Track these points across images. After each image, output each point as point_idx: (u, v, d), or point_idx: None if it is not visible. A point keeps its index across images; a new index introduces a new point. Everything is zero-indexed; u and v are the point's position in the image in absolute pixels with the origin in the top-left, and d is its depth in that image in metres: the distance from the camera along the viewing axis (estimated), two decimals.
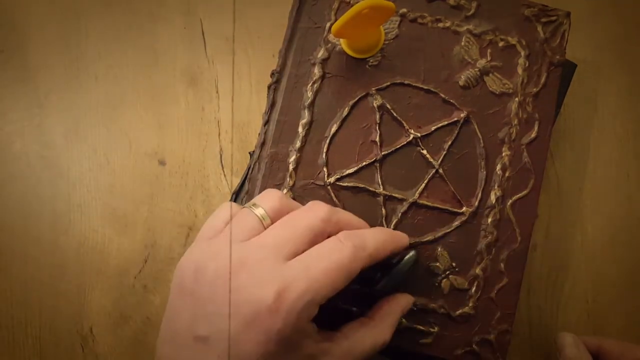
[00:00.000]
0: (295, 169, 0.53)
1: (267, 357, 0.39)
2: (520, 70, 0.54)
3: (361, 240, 0.43)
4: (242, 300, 0.39)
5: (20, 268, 0.60)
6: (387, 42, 0.54)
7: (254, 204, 0.45)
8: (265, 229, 0.43)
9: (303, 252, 0.42)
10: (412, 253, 0.49)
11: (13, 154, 0.62)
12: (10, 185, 0.62)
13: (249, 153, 0.56)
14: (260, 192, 0.52)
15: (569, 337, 0.54)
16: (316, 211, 0.44)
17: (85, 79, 0.63)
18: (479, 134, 0.53)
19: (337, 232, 0.44)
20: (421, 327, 0.51)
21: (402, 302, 0.48)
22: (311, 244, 0.42)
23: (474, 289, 0.52)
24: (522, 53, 0.55)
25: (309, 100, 0.53)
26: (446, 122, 0.53)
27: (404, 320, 0.51)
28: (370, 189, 0.53)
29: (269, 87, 0.55)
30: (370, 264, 0.43)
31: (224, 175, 0.62)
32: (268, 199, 0.45)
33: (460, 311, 0.52)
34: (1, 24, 0.64)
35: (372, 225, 0.49)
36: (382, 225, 0.52)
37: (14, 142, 0.62)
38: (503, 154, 0.53)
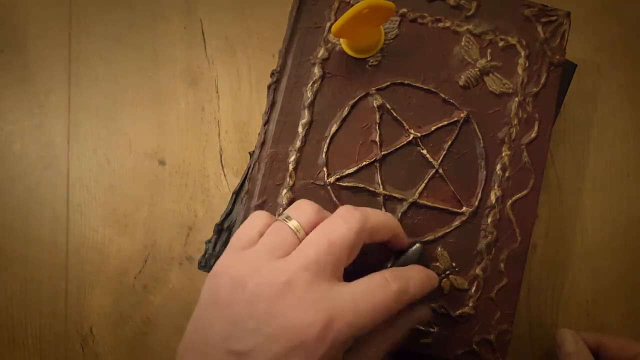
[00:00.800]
0: (295, 169, 0.53)
1: None
2: (520, 70, 0.54)
3: (406, 284, 0.43)
4: (289, 324, 0.39)
5: (20, 268, 0.60)
6: (387, 42, 0.54)
7: (288, 217, 0.44)
8: (300, 241, 0.43)
9: (343, 267, 0.42)
10: (417, 245, 0.49)
11: (13, 154, 0.62)
12: (10, 185, 0.62)
13: (249, 153, 0.56)
14: (260, 192, 0.52)
15: (568, 333, 0.54)
16: (351, 222, 0.43)
17: (85, 79, 0.63)
18: (479, 134, 0.53)
19: (370, 239, 0.44)
20: (421, 327, 0.51)
21: (417, 314, 0.48)
22: (349, 257, 0.43)
23: (474, 289, 0.52)
24: (522, 53, 0.55)
25: (309, 100, 0.53)
26: (446, 122, 0.53)
27: None
28: (370, 189, 0.53)
29: (269, 87, 0.55)
30: (410, 301, 0.44)
31: (224, 175, 0.62)
32: (302, 210, 0.45)
33: (460, 311, 0.51)
34: (1, 24, 0.64)
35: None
36: None
37: (14, 142, 0.62)
38: (503, 154, 0.53)
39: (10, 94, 0.63)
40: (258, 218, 0.45)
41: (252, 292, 0.40)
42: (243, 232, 0.45)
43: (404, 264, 0.48)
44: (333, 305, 0.40)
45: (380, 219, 0.46)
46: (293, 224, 0.44)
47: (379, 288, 0.42)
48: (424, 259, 0.50)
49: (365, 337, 0.44)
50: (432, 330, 0.51)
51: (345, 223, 0.43)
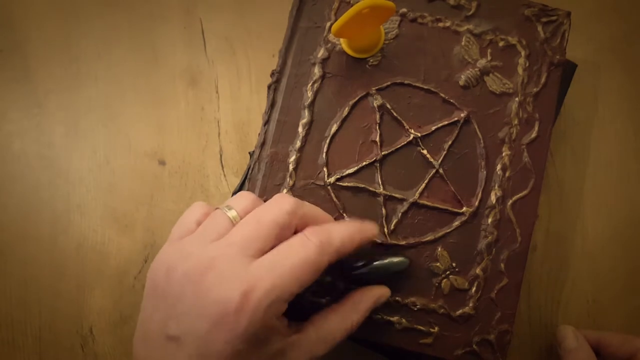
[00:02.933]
0: (295, 169, 0.53)
1: (235, 355, 0.39)
2: (520, 70, 0.54)
3: (327, 235, 0.43)
4: (210, 300, 0.39)
5: (20, 268, 0.60)
6: (387, 42, 0.54)
7: (227, 206, 0.45)
8: None
9: (271, 247, 0.42)
10: (404, 259, 0.50)
11: (13, 154, 0.62)
12: (10, 185, 0.62)
13: (249, 153, 0.56)
14: (260, 192, 0.52)
15: (569, 329, 0.55)
16: (281, 204, 0.44)
17: (85, 79, 0.63)
18: (479, 133, 0.53)
19: (303, 227, 0.44)
20: (421, 327, 0.51)
21: (376, 292, 0.48)
22: (278, 238, 0.43)
23: (474, 289, 0.52)
24: (522, 53, 0.54)
25: (309, 100, 0.53)
26: (446, 122, 0.53)
27: (404, 320, 0.51)
28: (371, 189, 0.52)
29: (269, 87, 0.54)
30: (338, 258, 0.43)
31: (224, 175, 0.62)
32: (240, 200, 0.45)
33: (460, 311, 0.51)
34: (1, 24, 0.64)
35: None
36: (382, 226, 0.52)
37: (13, 142, 0.63)
38: (503, 154, 0.53)
39: (10, 94, 0.63)
40: (196, 208, 0.46)
41: (181, 276, 0.41)
42: (181, 223, 0.45)
43: (376, 270, 0.49)
44: (251, 275, 0.40)
45: (315, 209, 0.46)
46: (231, 212, 0.44)
47: (297, 246, 0.42)
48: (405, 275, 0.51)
49: (316, 319, 0.45)
50: (432, 330, 0.51)
51: (276, 205, 0.44)
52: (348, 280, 0.49)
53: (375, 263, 0.49)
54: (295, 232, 0.44)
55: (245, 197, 0.46)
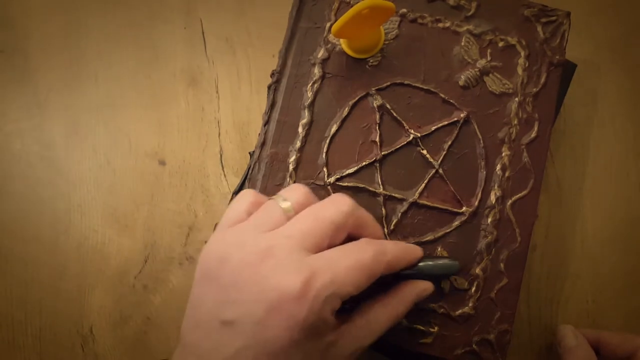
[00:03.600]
0: (295, 169, 0.53)
1: (292, 343, 0.39)
2: (520, 70, 0.54)
3: (382, 247, 0.43)
4: (269, 287, 0.39)
5: (20, 268, 0.61)
6: (387, 42, 0.54)
7: (281, 196, 0.45)
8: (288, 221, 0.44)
9: (326, 245, 0.43)
10: (455, 263, 0.49)
11: (13, 154, 0.62)
12: (10, 185, 0.62)
13: (249, 153, 0.56)
14: (260, 192, 0.52)
15: (568, 328, 0.55)
16: (340, 205, 0.44)
17: (85, 79, 0.64)
18: (478, 134, 0.53)
19: (355, 230, 0.45)
20: (421, 327, 0.51)
21: (421, 285, 0.47)
22: (333, 237, 0.43)
23: (474, 289, 0.52)
24: (522, 53, 0.54)
25: (309, 100, 0.53)
26: (446, 122, 0.53)
27: (404, 320, 0.51)
28: (370, 189, 0.53)
29: (269, 87, 0.54)
30: (387, 273, 0.44)
31: (224, 175, 0.62)
32: (294, 192, 0.45)
33: (460, 311, 0.51)
34: (1, 24, 0.64)
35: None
36: (382, 226, 0.52)
37: (14, 142, 0.63)
38: (503, 154, 0.53)
39: (10, 94, 0.63)
40: (246, 196, 0.46)
41: (236, 262, 0.41)
42: (231, 211, 0.45)
43: (423, 271, 0.48)
44: (311, 266, 0.40)
45: (369, 216, 0.46)
46: (284, 203, 0.44)
47: (355, 251, 0.42)
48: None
49: (363, 308, 0.45)
50: (432, 330, 0.51)
51: (334, 204, 0.44)
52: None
53: (421, 264, 0.48)
54: (348, 237, 0.45)
55: (300, 190, 0.45)
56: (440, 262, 0.49)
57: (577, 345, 0.54)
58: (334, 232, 0.43)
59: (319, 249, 0.42)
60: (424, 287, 0.48)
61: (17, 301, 0.60)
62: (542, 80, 0.54)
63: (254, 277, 0.40)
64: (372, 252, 0.42)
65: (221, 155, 0.62)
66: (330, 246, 0.43)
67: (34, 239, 0.61)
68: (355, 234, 0.45)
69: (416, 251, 0.47)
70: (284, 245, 0.41)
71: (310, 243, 0.42)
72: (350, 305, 0.46)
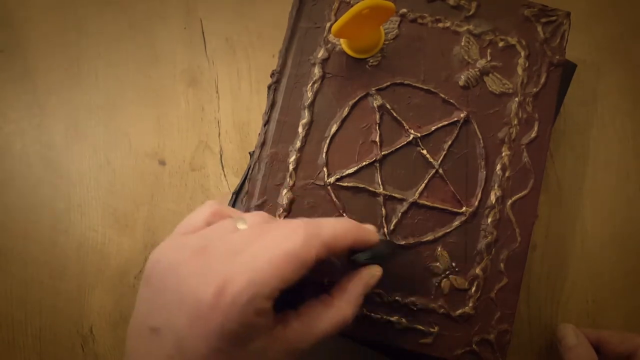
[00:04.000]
0: (295, 169, 0.53)
1: (215, 352, 0.37)
2: (520, 70, 0.54)
3: (315, 228, 0.40)
4: (186, 292, 0.38)
5: (20, 268, 0.61)
6: (387, 42, 0.54)
7: (241, 218, 0.43)
8: None
9: None
10: (390, 241, 0.50)
11: (13, 154, 0.62)
12: (11, 185, 0.62)
13: (249, 153, 0.56)
14: (260, 192, 0.52)
15: (569, 327, 0.55)
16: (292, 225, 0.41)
17: (85, 79, 0.64)
18: (478, 134, 0.53)
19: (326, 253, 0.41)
20: (421, 327, 0.51)
21: (364, 276, 0.44)
22: None
23: (474, 289, 0.52)
24: (522, 53, 0.55)
25: (309, 100, 0.53)
26: (446, 122, 0.53)
27: (404, 320, 0.51)
28: (370, 189, 0.53)
29: (269, 87, 0.54)
30: (328, 254, 0.40)
31: (224, 175, 0.62)
32: (254, 216, 0.43)
33: (460, 311, 0.51)
34: (1, 24, 0.65)
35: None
36: (382, 226, 0.52)
37: (14, 142, 0.63)
38: (503, 154, 0.53)
39: (11, 94, 0.63)
40: (207, 206, 0.44)
41: (166, 267, 0.39)
42: (189, 219, 0.44)
43: (372, 256, 0.45)
44: (230, 268, 0.38)
45: (336, 228, 0.42)
46: (241, 224, 0.42)
47: (280, 237, 0.39)
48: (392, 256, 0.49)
49: (303, 311, 0.42)
50: (432, 330, 0.51)
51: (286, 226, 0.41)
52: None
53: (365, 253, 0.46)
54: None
55: (260, 215, 0.44)
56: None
57: (577, 344, 0.54)
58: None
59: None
60: (370, 274, 0.45)
61: (17, 301, 0.60)
62: (542, 80, 0.54)
63: (176, 282, 0.38)
64: (302, 236, 0.39)
65: (221, 155, 0.62)
66: None
67: (34, 239, 0.61)
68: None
69: (368, 231, 0.44)
70: (211, 249, 0.39)
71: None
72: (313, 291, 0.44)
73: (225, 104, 0.63)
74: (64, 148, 0.62)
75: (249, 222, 0.42)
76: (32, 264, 0.61)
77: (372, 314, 0.51)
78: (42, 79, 0.64)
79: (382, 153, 0.53)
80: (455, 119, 0.53)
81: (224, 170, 0.62)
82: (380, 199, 0.53)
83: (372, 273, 0.45)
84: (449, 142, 0.53)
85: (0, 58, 0.64)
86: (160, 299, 0.39)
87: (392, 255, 0.49)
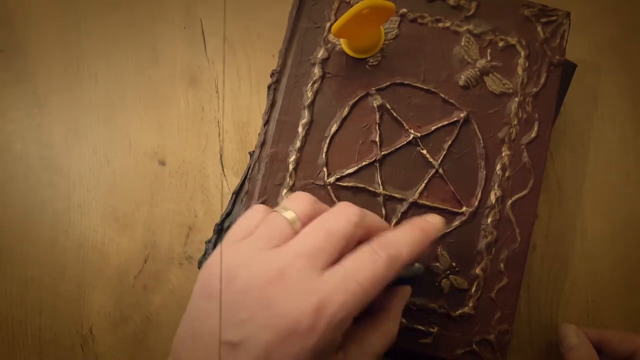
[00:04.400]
0: (295, 169, 0.53)
1: None
2: (520, 70, 0.54)
3: (396, 250, 0.42)
4: (278, 313, 0.38)
5: (20, 268, 0.60)
6: (387, 42, 0.54)
7: (284, 207, 0.44)
8: (295, 233, 0.42)
9: (337, 258, 0.41)
10: (418, 266, 0.50)
11: (13, 154, 0.62)
12: (10, 185, 0.62)
13: (249, 153, 0.56)
14: (260, 192, 0.52)
15: (570, 327, 0.55)
16: (348, 216, 0.42)
17: (85, 79, 0.63)
18: (478, 134, 0.53)
19: (366, 236, 0.44)
20: (421, 327, 0.51)
21: (400, 293, 0.47)
22: (344, 250, 0.42)
23: (474, 289, 0.52)
24: (522, 53, 0.54)
25: (309, 100, 0.53)
26: (446, 122, 0.53)
27: (404, 320, 0.51)
28: (370, 189, 0.52)
29: (269, 87, 0.54)
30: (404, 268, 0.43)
31: (224, 175, 0.62)
32: (298, 202, 0.44)
33: (460, 311, 0.51)
34: (1, 24, 0.64)
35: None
36: None
37: (14, 142, 0.62)
38: (503, 154, 0.53)
39: (10, 94, 0.63)
40: (257, 212, 0.45)
41: (244, 283, 0.40)
42: (240, 225, 0.44)
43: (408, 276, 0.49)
44: (322, 290, 0.39)
45: (376, 219, 0.46)
46: (289, 214, 0.43)
47: (367, 261, 0.41)
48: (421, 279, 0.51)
49: (356, 335, 0.43)
50: (432, 330, 0.51)
51: (344, 216, 0.42)
52: None
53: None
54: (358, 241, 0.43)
55: (304, 199, 0.44)
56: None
57: (579, 344, 0.54)
58: (344, 244, 0.42)
59: (330, 264, 0.41)
60: (404, 294, 0.47)
61: (17, 301, 0.60)
62: (542, 80, 0.54)
63: (262, 300, 0.39)
64: (386, 260, 0.41)
65: (221, 155, 0.62)
66: (342, 256, 0.41)
67: (34, 239, 0.61)
68: (365, 238, 0.44)
69: (437, 226, 0.46)
70: (293, 266, 0.40)
71: (322, 261, 0.40)
72: None
73: (225, 104, 0.63)
74: (64, 148, 0.62)
75: (297, 210, 0.43)
76: (32, 264, 0.60)
77: None
78: (42, 79, 0.63)
79: (382, 153, 0.53)
80: (455, 118, 0.53)
81: (224, 170, 0.62)
82: (380, 199, 0.53)
83: (405, 291, 0.47)
84: (449, 142, 0.53)
85: (0, 58, 0.64)
86: (239, 315, 0.39)
87: (422, 277, 0.51)
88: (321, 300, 0.38)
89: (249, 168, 0.54)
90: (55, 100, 0.63)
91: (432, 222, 0.46)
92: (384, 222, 0.47)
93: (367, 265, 0.40)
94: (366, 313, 0.44)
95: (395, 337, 0.45)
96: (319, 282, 0.39)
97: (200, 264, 0.54)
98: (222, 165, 0.62)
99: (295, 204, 0.44)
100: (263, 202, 0.52)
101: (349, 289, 0.39)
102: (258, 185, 0.53)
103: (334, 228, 0.42)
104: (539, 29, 0.55)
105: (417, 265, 0.50)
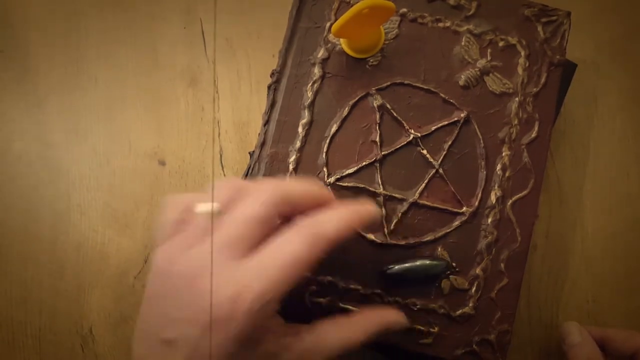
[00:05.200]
0: (295, 169, 0.52)
1: (228, 356, 0.39)
2: (520, 70, 0.54)
3: (320, 229, 0.42)
4: (201, 308, 0.39)
5: (20, 268, 0.60)
6: (387, 42, 0.54)
7: (205, 200, 0.43)
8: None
9: (258, 241, 0.41)
10: (440, 262, 0.51)
11: (13, 153, 0.62)
12: (10, 185, 0.61)
13: (249, 153, 0.55)
14: None
15: (573, 325, 0.55)
16: (265, 198, 0.42)
17: (85, 79, 0.63)
18: (479, 133, 0.53)
19: (291, 208, 0.44)
20: (421, 327, 0.51)
21: (389, 316, 0.47)
22: (263, 232, 0.42)
23: (474, 289, 0.51)
24: (522, 53, 0.54)
25: (309, 100, 0.53)
26: (446, 122, 0.53)
27: None
28: (370, 189, 0.52)
29: (269, 87, 0.54)
30: (335, 246, 0.42)
31: (224, 175, 0.61)
32: (221, 190, 0.44)
33: (460, 311, 0.51)
34: (1, 24, 0.64)
35: (373, 226, 0.51)
36: (383, 226, 0.52)
37: (14, 142, 0.62)
38: (503, 154, 0.53)
39: (10, 94, 0.63)
40: (178, 205, 0.45)
41: (174, 282, 0.41)
42: (166, 221, 0.45)
43: (412, 271, 0.50)
44: (241, 279, 0.39)
45: (309, 190, 0.45)
46: (208, 207, 0.42)
47: (287, 245, 0.41)
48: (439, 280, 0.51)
49: (315, 326, 0.44)
50: (432, 330, 0.51)
51: (260, 198, 0.42)
52: (378, 280, 0.51)
53: (407, 264, 0.50)
54: (289, 217, 0.44)
55: (224, 186, 0.44)
56: (428, 262, 0.50)
57: (581, 341, 0.53)
58: (262, 227, 0.42)
59: (251, 249, 0.41)
60: (394, 319, 0.47)
61: (17, 301, 0.59)
62: (543, 80, 0.54)
63: (190, 297, 0.40)
64: (308, 239, 0.41)
65: (221, 155, 0.62)
66: (265, 238, 0.42)
67: (34, 239, 0.60)
68: (293, 213, 0.44)
69: (368, 211, 0.45)
70: (215, 260, 0.40)
71: (241, 249, 0.41)
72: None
73: (225, 104, 0.63)
74: (64, 148, 0.62)
75: (222, 201, 0.43)
76: (32, 264, 0.60)
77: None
78: (42, 79, 0.63)
79: (382, 153, 0.53)
80: (456, 118, 0.53)
81: (223, 170, 0.62)
82: (381, 199, 0.52)
83: (397, 319, 0.47)
84: (449, 142, 0.53)
85: (0, 58, 0.63)
86: (173, 313, 0.41)
87: (428, 274, 0.51)
88: (238, 290, 0.39)
89: (249, 168, 0.54)
90: (55, 100, 0.63)
91: (368, 207, 0.45)
92: (307, 187, 0.45)
93: (287, 248, 0.41)
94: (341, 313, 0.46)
95: (357, 346, 0.44)
96: (237, 272, 0.40)
97: None
98: (222, 165, 0.62)
99: (218, 192, 0.43)
100: None
101: (267, 275, 0.39)
102: None
103: (250, 214, 0.42)
104: (540, 28, 0.55)
105: (441, 262, 0.51)
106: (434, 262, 0.51)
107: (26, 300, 0.60)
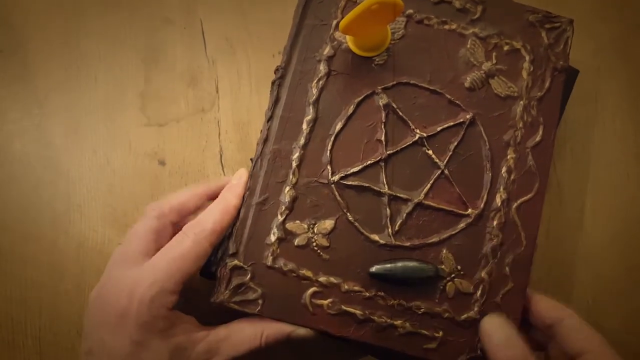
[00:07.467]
0: (298, 166, 0.49)
1: (135, 345, 0.42)
2: (525, 74, 0.51)
3: (200, 227, 0.46)
4: (106, 310, 0.44)
5: (20, 268, 0.57)
6: (393, 41, 0.51)
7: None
8: None
9: (154, 248, 0.46)
10: (430, 266, 0.47)
11: (13, 154, 0.59)
12: (10, 185, 0.58)
13: (250, 159, 0.52)
14: (262, 189, 0.49)
15: (495, 320, 0.46)
16: (146, 213, 0.47)
17: (85, 79, 0.60)
18: (484, 135, 0.50)
19: (179, 217, 0.48)
20: (425, 332, 0.47)
21: (277, 325, 0.47)
22: (159, 240, 0.46)
23: (479, 293, 0.47)
24: (527, 57, 0.52)
25: (314, 97, 0.49)
26: (452, 123, 0.50)
27: (407, 324, 0.47)
28: (375, 188, 0.49)
29: (273, 83, 0.51)
30: (218, 239, 0.47)
31: (224, 175, 0.59)
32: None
33: (465, 316, 0.47)
34: (1, 24, 0.61)
35: (377, 227, 0.48)
36: (387, 227, 0.48)
37: (14, 142, 0.59)
38: (508, 157, 0.50)
39: (10, 94, 0.60)
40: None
41: (91, 297, 0.46)
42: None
43: (394, 272, 0.47)
44: (136, 278, 0.44)
45: (181, 198, 0.49)
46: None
47: (174, 243, 0.45)
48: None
49: (240, 321, 0.47)
50: (436, 335, 0.47)
51: (144, 215, 0.47)
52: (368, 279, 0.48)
53: (389, 265, 0.47)
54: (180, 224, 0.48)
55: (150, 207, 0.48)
56: (411, 264, 0.47)
57: (506, 339, 0.45)
58: (155, 237, 0.46)
59: (146, 257, 0.45)
60: (280, 328, 0.47)
61: (17, 301, 0.56)
62: (547, 85, 0.52)
63: (94, 308, 0.45)
64: (191, 236, 0.45)
65: (221, 155, 0.59)
66: (161, 246, 0.46)
67: (34, 239, 0.57)
68: (187, 218, 0.48)
69: (234, 192, 0.48)
70: (119, 271, 0.45)
71: (134, 258, 0.45)
72: None
73: (225, 104, 0.60)
74: (64, 148, 0.59)
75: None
76: (32, 264, 0.57)
77: (375, 318, 0.47)
78: (42, 79, 0.60)
79: (388, 152, 0.49)
80: (461, 120, 0.50)
81: (223, 170, 0.59)
82: (385, 198, 0.49)
83: (299, 330, 0.47)
84: (455, 143, 0.50)
85: (0, 58, 0.60)
86: (87, 327, 0.45)
87: (413, 277, 0.48)
88: (132, 286, 0.43)
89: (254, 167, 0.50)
90: (55, 100, 0.60)
91: (233, 185, 0.49)
92: (189, 195, 0.49)
93: (175, 247, 0.45)
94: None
95: (256, 350, 0.46)
96: (133, 275, 0.44)
97: (201, 267, 0.50)
98: (222, 165, 0.59)
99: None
100: (265, 200, 0.49)
101: (157, 269, 0.44)
102: (260, 182, 0.49)
103: (138, 229, 0.47)
104: (543, 34, 0.53)
105: (429, 266, 0.47)
106: (421, 265, 0.47)
107: (26, 300, 0.57)
